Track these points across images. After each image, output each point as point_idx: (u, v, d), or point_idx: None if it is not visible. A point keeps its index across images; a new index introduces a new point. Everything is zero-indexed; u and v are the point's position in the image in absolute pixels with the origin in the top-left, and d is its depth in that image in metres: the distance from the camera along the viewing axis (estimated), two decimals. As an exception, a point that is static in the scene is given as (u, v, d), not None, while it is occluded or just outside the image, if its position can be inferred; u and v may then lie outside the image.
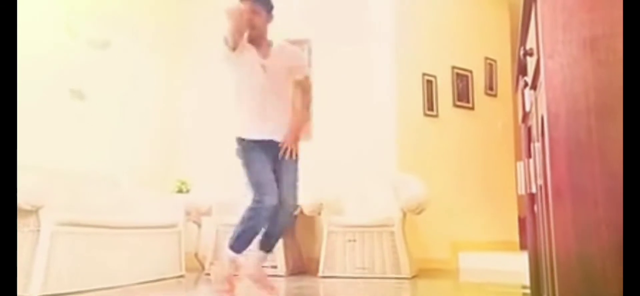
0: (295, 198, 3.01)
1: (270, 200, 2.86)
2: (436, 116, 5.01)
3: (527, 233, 2.01)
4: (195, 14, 5.29)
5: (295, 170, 3.03)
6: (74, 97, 4.23)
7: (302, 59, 3.32)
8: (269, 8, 3.07)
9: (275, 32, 4.97)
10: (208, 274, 4.26)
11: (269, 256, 4.20)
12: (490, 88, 5.42)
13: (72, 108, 4.21)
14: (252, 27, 3.00)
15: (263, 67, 3.00)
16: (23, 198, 2.91)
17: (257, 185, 2.88)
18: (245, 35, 3.00)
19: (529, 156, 1.69)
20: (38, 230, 3.00)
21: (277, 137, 3.00)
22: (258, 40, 3.04)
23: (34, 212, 2.99)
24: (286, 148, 2.97)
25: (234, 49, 2.94)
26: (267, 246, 3.04)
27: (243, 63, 3.00)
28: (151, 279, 3.71)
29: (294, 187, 3.00)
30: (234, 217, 4.29)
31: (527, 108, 1.66)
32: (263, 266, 3.16)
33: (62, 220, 3.12)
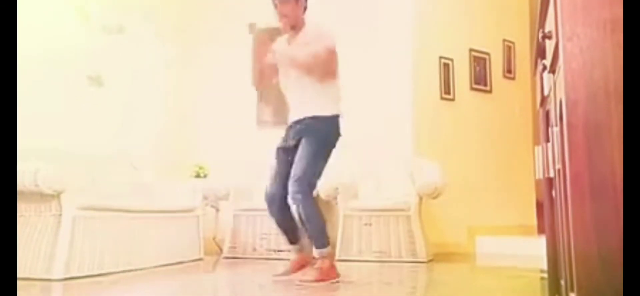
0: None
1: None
2: (453, 100, 4.97)
3: (545, 218, 2.00)
4: (211, -1, 5.30)
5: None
6: (92, 83, 4.28)
7: (326, 40, 3.04)
8: None
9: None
10: (226, 257, 4.32)
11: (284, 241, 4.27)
12: (508, 71, 5.35)
13: (91, 94, 4.26)
14: (283, 16, 3.02)
15: (291, 58, 3.00)
16: (45, 183, 2.96)
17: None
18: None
19: (547, 140, 1.67)
20: (60, 215, 3.06)
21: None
22: (293, 28, 3.05)
23: (56, 196, 3.05)
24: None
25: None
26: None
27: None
28: (170, 262, 3.77)
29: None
30: (251, 202, 4.34)
31: (546, 92, 1.64)
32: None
33: (83, 204, 3.17)
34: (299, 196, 2.85)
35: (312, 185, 2.94)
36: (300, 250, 3.06)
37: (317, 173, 2.96)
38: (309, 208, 2.88)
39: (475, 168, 4.94)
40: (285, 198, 2.93)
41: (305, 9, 3.11)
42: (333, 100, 3.06)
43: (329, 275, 2.90)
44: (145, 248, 3.61)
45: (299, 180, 2.86)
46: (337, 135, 3.04)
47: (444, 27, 5.00)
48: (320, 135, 2.96)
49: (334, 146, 3.02)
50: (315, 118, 2.97)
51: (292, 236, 3.06)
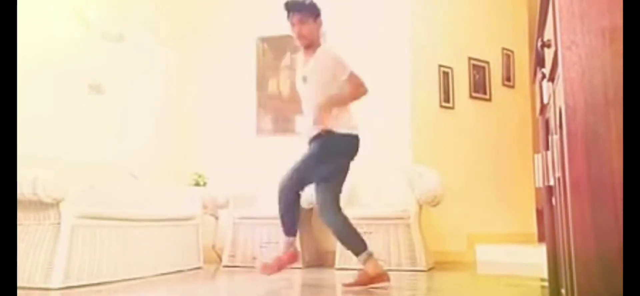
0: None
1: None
2: (452, 108, 4.97)
3: (545, 226, 2.00)
4: (211, 5, 5.32)
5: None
6: (92, 91, 4.28)
7: (340, 62, 3.17)
8: (316, 14, 3.14)
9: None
10: (226, 266, 4.31)
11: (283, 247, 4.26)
12: (508, 79, 5.36)
13: (90, 102, 4.27)
14: (301, 37, 3.12)
15: (304, 78, 3.15)
16: (44, 192, 2.95)
17: None
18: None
19: (547, 148, 1.67)
20: (58, 223, 3.05)
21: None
22: (308, 47, 3.16)
23: (55, 205, 3.04)
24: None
25: None
26: None
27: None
28: (170, 271, 3.76)
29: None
30: (251, 210, 4.33)
31: (545, 100, 1.64)
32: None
33: (82, 213, 3.17)
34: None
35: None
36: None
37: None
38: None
39: (475, 176, 4.94)
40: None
41: (320, 27, 3.22)
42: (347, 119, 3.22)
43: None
44: (145, 256, 3.59)
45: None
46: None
47: (443, 36, 5.01)
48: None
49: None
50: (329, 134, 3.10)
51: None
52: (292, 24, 3.13)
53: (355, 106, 4.83)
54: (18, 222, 3.03)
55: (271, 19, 5.21)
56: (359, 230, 4.11)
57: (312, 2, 3.15)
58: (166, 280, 3.54)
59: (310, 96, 3.14)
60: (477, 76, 5.15)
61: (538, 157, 1.81)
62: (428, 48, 4.88)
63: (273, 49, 5.10)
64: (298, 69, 3.24)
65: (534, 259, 3.78)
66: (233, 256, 4.37)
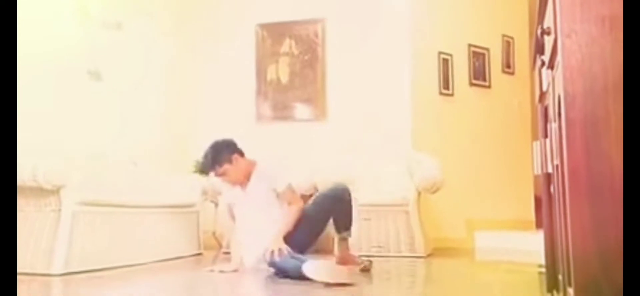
0: None
1: None
2: (452, 95, 4.97)
3: (543, 213, 2.00)
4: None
5: None
6: (91, 78, 4.27)
7: (276, 176, 3.15)
8: (230, 152, 3.09)
9: (291, 11, 4.97)
10: (226, 252, 4.33)
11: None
12: (508, 66, 5.35)
13: (90, 89, 4.26)
14: (235, 182, 3.15)
15: (242, 202, 3.16)
16: (44, 179, 2.96)
17: None
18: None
19: (546, 136, 1.68)
20: (59, 210, 3.06)
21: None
22: (241, 183, 3.16)
23: (55, 191, 3.05)
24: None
25: None
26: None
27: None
28: (170, 257, 3.78)
29: None
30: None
31: (544, 88, 1.64)
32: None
33: (83, 199, 3.18)
34: None
35: None
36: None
37: None
38: None
39: (474, 163, 4.95)
40: None
41: (242, 156, 3.15)
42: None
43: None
44: (145, 243, 3.61)
45: None
46: None
47: (443, 22, 5.00)
48: None
49: None
50: None
51: None
52: (220, 176, 3.10)
53: (352, 92, 4.85)
54: (19, 209, 3.04)
55: (270, 5, 5.21)
56: (358, 216, 4.14)
57: (218, 149, 3.09)
58: (166, 266, 3.56)
59: (251, 217, 3.13)
60: (477, 63, 5.14)
61: (537, 145, 1.81)
62: (428, 35, 4.87)
63: (272, 36, 5.08)
64: (229, 194, 3.24)
65: (532, 245, 3.80)
66: (233, 242, 4.38)
